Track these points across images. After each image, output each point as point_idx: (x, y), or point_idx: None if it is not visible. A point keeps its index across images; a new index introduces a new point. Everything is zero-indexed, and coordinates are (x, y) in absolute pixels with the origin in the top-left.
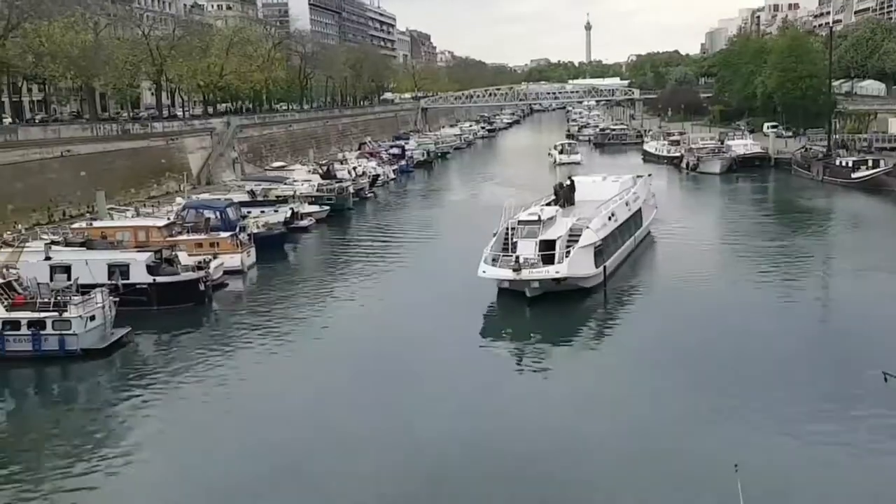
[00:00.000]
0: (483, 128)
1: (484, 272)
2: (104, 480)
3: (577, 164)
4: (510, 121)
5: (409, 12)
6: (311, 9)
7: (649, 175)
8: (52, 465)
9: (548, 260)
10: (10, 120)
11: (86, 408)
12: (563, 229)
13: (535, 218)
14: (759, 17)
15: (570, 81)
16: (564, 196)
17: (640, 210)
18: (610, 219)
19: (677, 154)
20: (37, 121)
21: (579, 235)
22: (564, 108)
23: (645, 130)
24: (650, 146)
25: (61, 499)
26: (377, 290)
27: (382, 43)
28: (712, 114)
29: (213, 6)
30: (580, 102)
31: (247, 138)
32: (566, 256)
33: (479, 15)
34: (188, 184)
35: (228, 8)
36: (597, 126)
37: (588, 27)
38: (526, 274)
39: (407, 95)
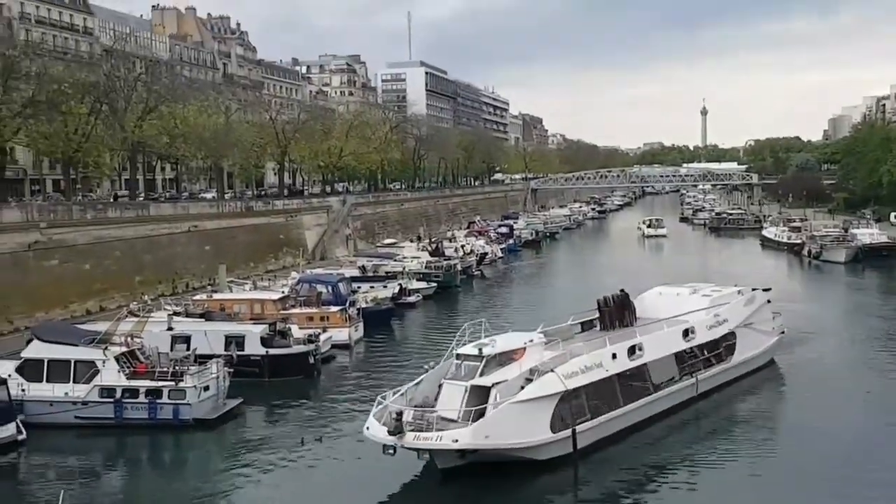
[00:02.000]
0: (593, 209)
1: (367, 429)
2: None
3: (664, 237)
4: (621, 202)
5: (522, 97)
6: (427, 94)
7: (767, 290)
8: None
9: (478, 416)
10: (143, 196)
11: (194, 478)
12: (517, 371)
13: (476, 352)
14: (884, 104)
15: (685, 165)
16: (611, 315)
17: (729, 335)
18: (634, 352)
19: (798, 241)
20: (166, 197)
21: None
22: (678, 191)
23: (764, 216)
24: (769, 232)
25: None
26: None
27: (495, 126)
28: (836, 201)
29: (336, 92)
30: (695, 186)
31: (360, 216)
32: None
33: (592, 98)
34: (303, 258)
35: (350, 94)
36: (712, 210)
37: (704, 112)
38: (409, 439)
39: (517, 176)
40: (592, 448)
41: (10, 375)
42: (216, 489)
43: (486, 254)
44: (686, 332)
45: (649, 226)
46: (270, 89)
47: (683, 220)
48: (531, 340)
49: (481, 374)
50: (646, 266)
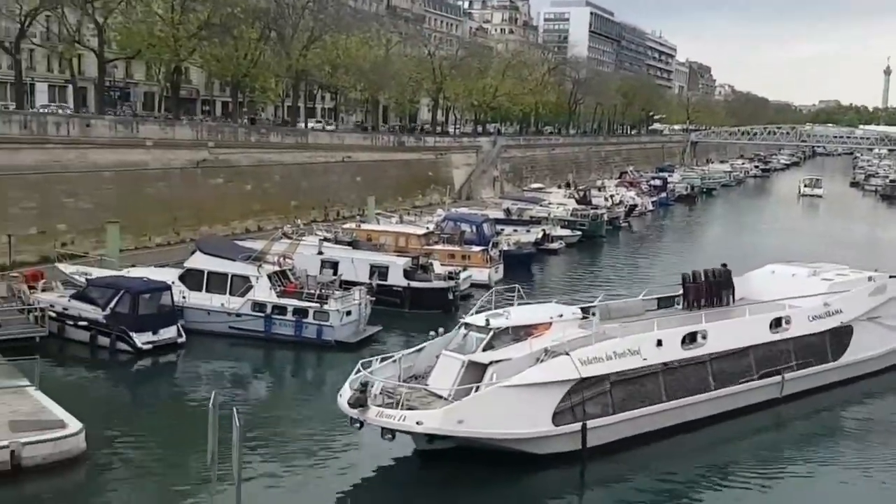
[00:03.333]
0: (756, 166)
1: (340, 395)
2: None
3: (820, 197)
4: (788, 162)
5: (691, 45)
6: (590, 36)
7: None
8: (297, 433)
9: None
10: (304, 124)
11: (331, 395)
12: (528, 349)
13: (482, 322)
14: None
15: (861, 127)
16: (697, 292)
17: (842, 330)
18: (688, 341)
19: None
20: (325, 128)
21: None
22: (851, 154)
23: None
24: None
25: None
26: None
27: (659, 73)
28: None
29: (496, 30)
30: (870, 150)
31: (509, 158)
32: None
33: (767, 52)
34: (449, 197)
35: (511, 32)
36: (886, 176)
37: (887, 72)
38: (371, 414)
39: (677, 127)
40: (612, 447)
41: (173, 282)
42: None
43: (635, 206)
44: (776, 322)
45: (807, 185)
46: (431, 23)
47: (854, 184)
48: (560, 315)
49: (484, 349)
50: (801, 231)
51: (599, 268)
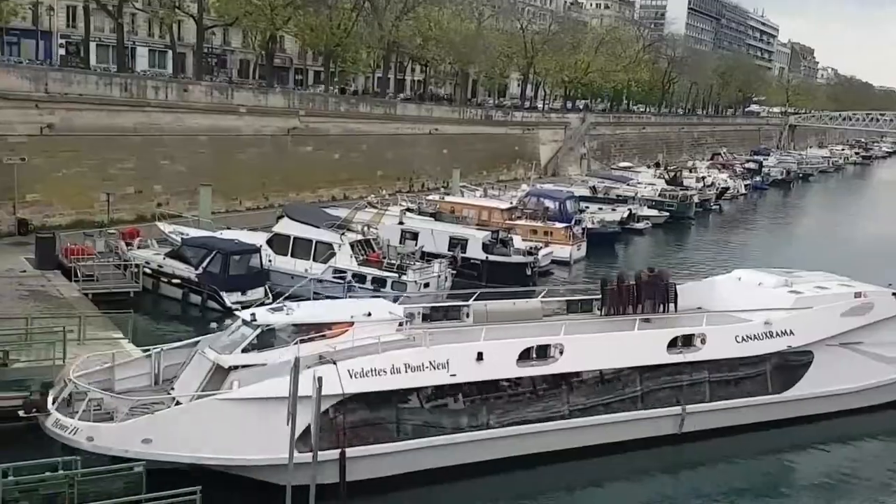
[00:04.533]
0: (857, 153)
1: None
2: None
3: None
4: (890, 150)
5: (795, 25)
6: (689, 13)
7: None
8: None
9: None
10: (393, 95)
11: None
12: (290, 355)
13: (248, 317)
14: None
15: None
16: (614, 297)
17: (794, 355)
18: (534, 356)
19: None
20: (413, 97)
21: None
22: None
23: None
24: None
25: None
26: None
27: (759, 53)
28: None
29: (591, 4)
30: None
31: (598, 136)
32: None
33: (874, 35)
34: (535, 172)
35: (606, 7)
36: None
37: None
38: (49, 421)
39: (775, 109)
40: (388, 483)
41: (261, 246)
42: None
43: (727, 188)
44: (684, 341)
45: None
46: None
47: None
48: (368, 314)
49: (244, 350)
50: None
51: (685, 251)
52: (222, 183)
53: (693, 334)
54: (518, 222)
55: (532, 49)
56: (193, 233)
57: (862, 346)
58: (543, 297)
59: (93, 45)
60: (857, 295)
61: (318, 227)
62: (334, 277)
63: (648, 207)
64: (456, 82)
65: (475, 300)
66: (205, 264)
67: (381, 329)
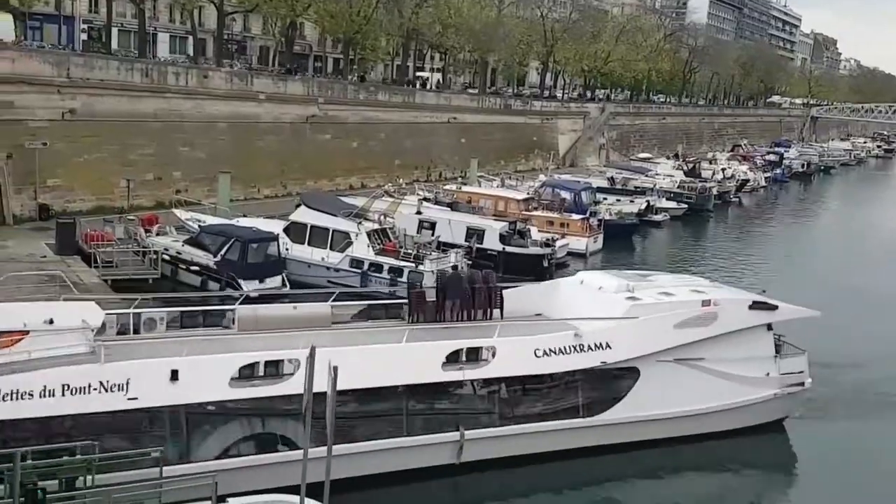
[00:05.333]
0: (879, 146)
1: None
2: None
3: None
4: None
5: (817, 15)
6: (711, 2)
7: (769, 307)
8: None
9: None
10: (414, 83)
11: None
12: None
13: None
14: None
15: None
16: (421, 302)
17: (608, 373)
18: (269, 373)
19: None
20: (432, 88)
21: None
22: None
23: None
24: None
25: None
26: None
27: (781, 43)
28: None
29: None
30: None
31: (617, 126)
32: None
33: None
34: (553, 163)
35: None
36: None
37: None
38: None
39: (797, 101)
40: None
41: (278, 234)
42: None
43: (747, 181)
44: (460, 354)
45: None
46: None
47: None
48: (50, 321)
49: None
50: None
51: (703, 244)
52: (241, 170)
53: (480, 347)
54: (535, 213)
55: (552, 37)
56: (210, 220)
57: (703, 363)
58: (335, 300)
59: (114, 31)
60: (706, 303)
61: (335, 215)
62: (350, 267)
63: (667, 199)
64: (475, 70)
65: (242, 304)
66: (223, 252)
67: (67, 339)
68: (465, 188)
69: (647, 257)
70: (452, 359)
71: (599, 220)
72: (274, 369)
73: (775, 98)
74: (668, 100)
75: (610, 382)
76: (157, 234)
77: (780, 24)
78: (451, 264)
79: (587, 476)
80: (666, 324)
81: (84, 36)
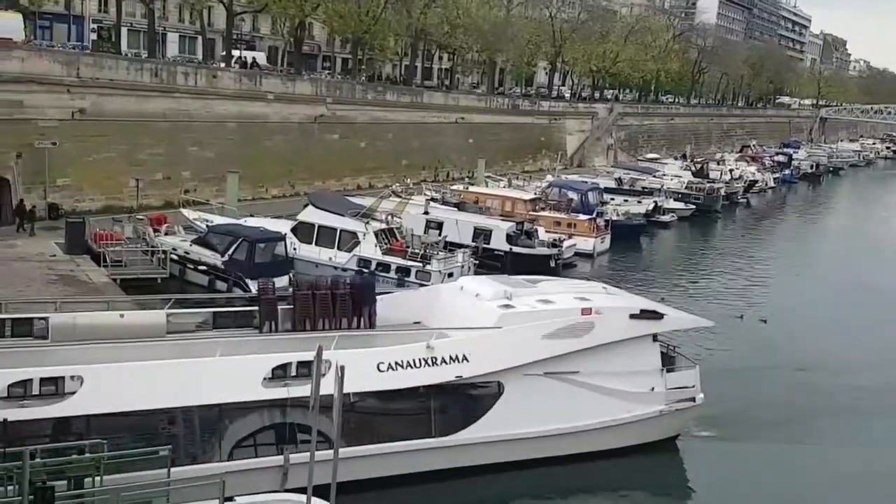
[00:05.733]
0: (888, 147)
1: None
2: None
3: None
4: None
5: (827, 15)
6: (720, 3)
7: (654, 315)
8: None
9: None
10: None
11: None
12: None
13: None
14: None
15: None
16: (270, 308)
17: (474, 387)
18: None
19: None
20: (441, 87)
21: None
22: None
23: None
24: None
25: None
26: (723, 306)
27: (791, 44)
28: None
29: None
30: None
31: (626, 126)
32: None
33: None
34: (560, 163)
35: None
36: None
37: None
38: None
39: (806, 102)
40: None
41: (286, 234)
42: None
43: (755, 181)
44: (288, 369)
45: None
46: None
47: None
48: None
49: None
50: None
51: (710, 246)
52: (249, 170)
53: (287, 363)
54: (542, 213)
55: (560, 37)
56: (217, 220)
57: (578, 377)
58: (171, 307)
59: (124, 31)
60: (586, 312)
61: (342, 215)
62: (358, 266)
63: (674, 200)
64: (483, 71)
65: (59, 311)
66: (231, 251)
67: None
68: (472, 188)
69: (655, 258)
70: (279, 374)
71: (606, 221)
72: (52, 387)
73: (784, 99)
74: (676, 100)
75: (468, 399)
76: (166, 234)
77: (789, 24)
78: (460, 264)
79: (439, 502)
80: (534, 334)
81: (94, 36)
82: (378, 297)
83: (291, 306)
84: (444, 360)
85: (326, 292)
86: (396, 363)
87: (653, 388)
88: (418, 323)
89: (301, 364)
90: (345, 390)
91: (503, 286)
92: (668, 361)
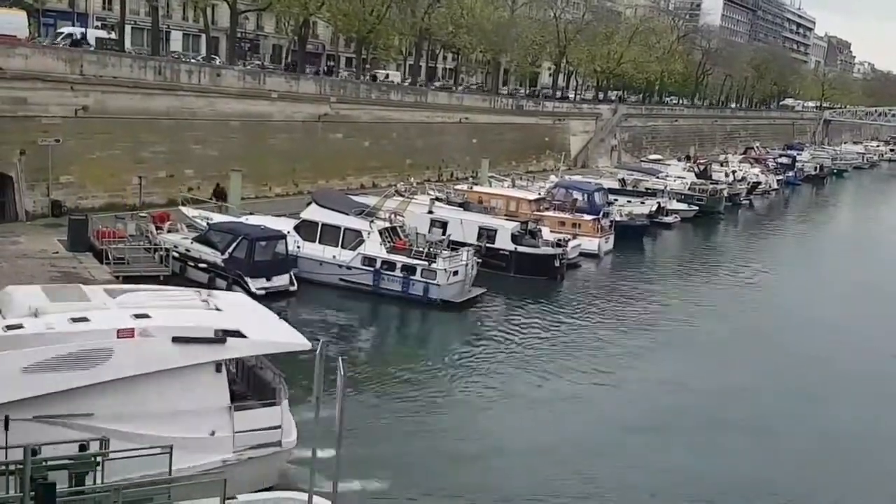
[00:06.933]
0: (892, 150)
1: None
2: (434, 415)
3: None
4: None
5: (831, 18)
6: (725, 4)
7: (229, 333)
8: (401, 389)
9: None
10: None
11: (435, 351)
12: None
13: None
14: None
15: None
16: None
17: None
18: None
19: None
20: (440, 86)
21: None
22: None
23: None
24: None
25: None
26: (727, 303)
27: (795, 46)
28: None
29: None
30: None
31: (630, 127)
32: None
33: None
34: (564, 164)
35: None
36: None
37: None
38: None
39: (810, 104)
40: None
41: (288, 232)
42: (453, 364)
43: (758, 183)
44: None
45: None
46: None
47: None
48: None
49: None
50: None
51: (713, 247)
52: (253, 168)
53: None
54: (546, 213)
55: (565, 38)
56: (218, 218)
57: (93, 421)
58: None
59: (128, 28)
60: (124, 333)
61: (346, 213)
62: (363, 265)
63: (678, 201)
64: (487, 71)
65: None
66: (231, 249)
67: None
68: (476, 188)
69: (657, 258)
70: None
71: (611, 221)
72: None
73: (788, 101)
74: (680, 101)
75: None
76: (168, 232)
77: (794, 26)
78: (464, 263)
79: None
80: (14, 365)
81: (100, 33)
82: None
83: None
84: None
85: None
86: None
87: (213, 433)
88: None
89: None
90: None
91: (41, 297)
92: (244, 397)
